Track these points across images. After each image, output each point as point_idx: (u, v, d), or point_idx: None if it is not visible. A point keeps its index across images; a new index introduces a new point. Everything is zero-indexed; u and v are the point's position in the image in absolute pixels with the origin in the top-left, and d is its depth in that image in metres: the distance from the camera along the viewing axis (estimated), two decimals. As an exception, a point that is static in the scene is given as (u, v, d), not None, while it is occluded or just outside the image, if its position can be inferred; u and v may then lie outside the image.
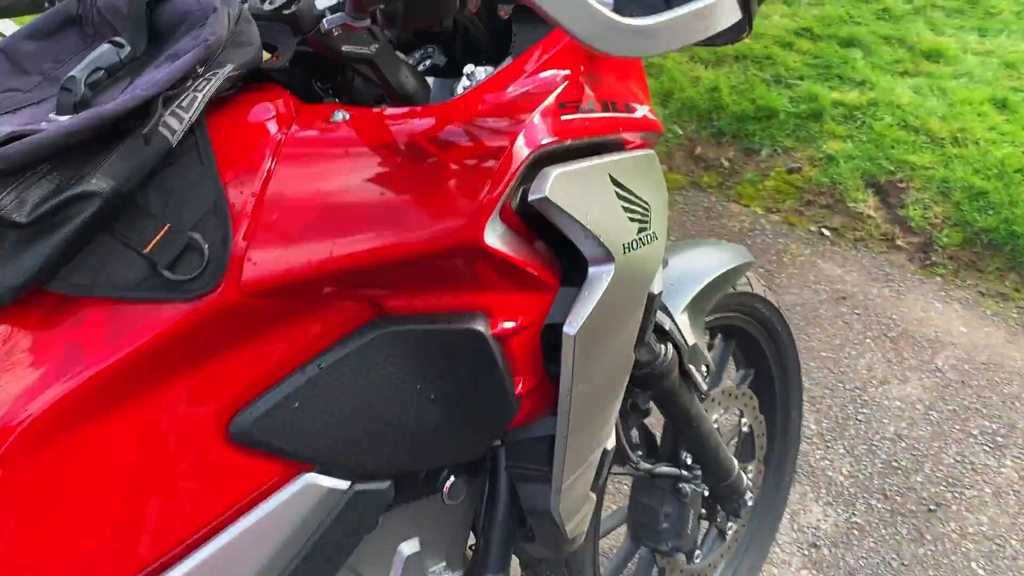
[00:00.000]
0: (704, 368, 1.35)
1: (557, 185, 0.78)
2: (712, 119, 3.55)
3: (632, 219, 0.90)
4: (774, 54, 3.88)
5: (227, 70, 0.72)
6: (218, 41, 0.71)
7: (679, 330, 1.30)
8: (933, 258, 2.95)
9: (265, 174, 0.70)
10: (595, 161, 0.85)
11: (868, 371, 2.48)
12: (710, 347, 1.66)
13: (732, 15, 0.67)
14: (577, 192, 0.81)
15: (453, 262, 0.77)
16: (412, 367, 0.78)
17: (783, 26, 4.14)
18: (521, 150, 0.77)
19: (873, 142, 3.37)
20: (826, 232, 3.10)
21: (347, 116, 0.76)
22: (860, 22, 4.25)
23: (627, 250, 0.88)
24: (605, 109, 0.90)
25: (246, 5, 0.88)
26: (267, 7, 0.85)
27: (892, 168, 3.25)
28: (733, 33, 0.69)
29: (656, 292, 0.98)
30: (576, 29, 0.59)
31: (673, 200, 3.24)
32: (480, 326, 0.80)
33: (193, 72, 0.70)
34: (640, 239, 0.91)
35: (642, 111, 0.97)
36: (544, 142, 0.79)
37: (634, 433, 1.37)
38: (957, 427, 2.30)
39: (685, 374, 1.30)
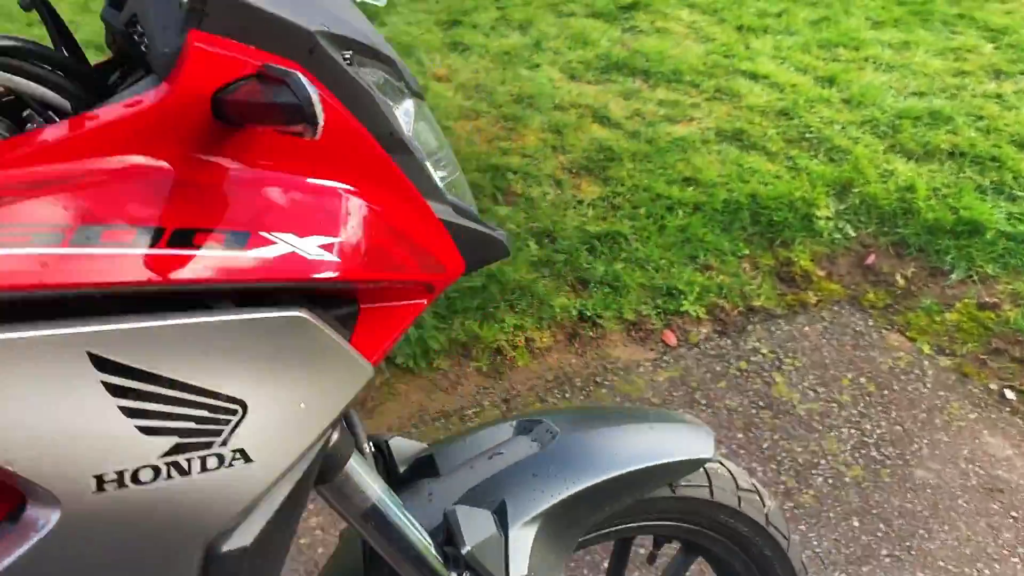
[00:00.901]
0: (545, 615, 0.90)
1: None
2: (897, 224, 2.89)
3: (159, 429, 0.53)
4: (1004, 155, 3.12)
5: None
6: None
7: (504, 552, 0.87)
8: None
9: None
10: (49, 331, 0.49)
11: (999, 606, 1.79)
12: (651, 557, 1.19)
13: None
14: None
15: None
16: None
17: (1030, 122, 3.34)
18: None
19: (1109, 287, 2.56)
20: (1009, 395, 2.36)
21: None
22: None
23: (115, 485, 0.51)
24: (168, 241, 0.53)
25: None
26: None
27: None
28: None
29: (233, 549, 0.59)
30: None
31: (818, 317, 2.65)
32: None
33: None
34: (179, 464, 0.53)
35: (294, 245, 0.58)
36: None
37: None
38: None
39: (496, 623, 0.87)
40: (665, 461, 1.00)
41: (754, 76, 3.58)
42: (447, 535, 0.87)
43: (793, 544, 1.18)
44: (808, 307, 2.70)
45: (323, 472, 0.74)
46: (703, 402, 2.31)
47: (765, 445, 2.19)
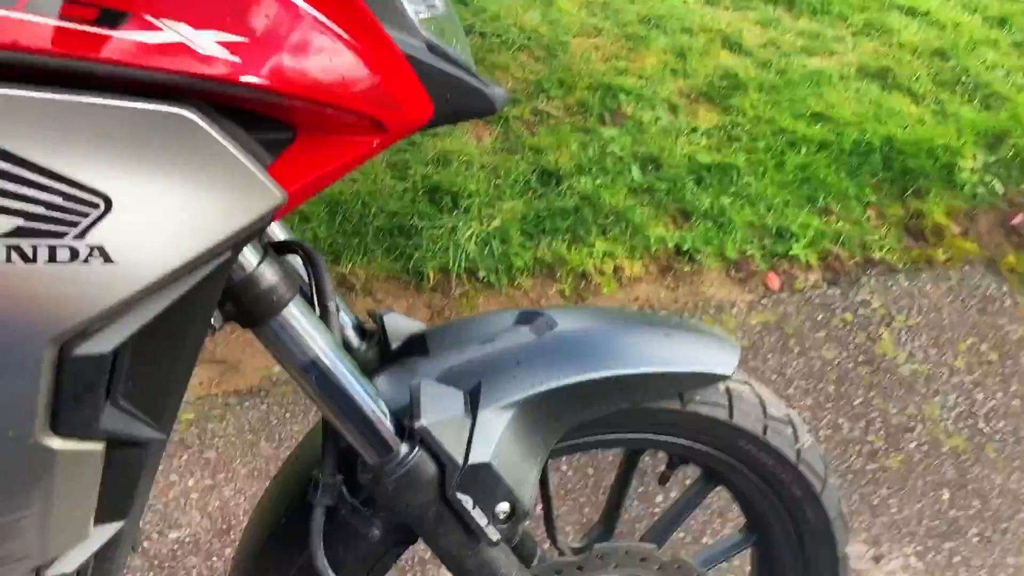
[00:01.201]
0: (506, 507, 0.84)
1: None
2: (1055, 183, 2.57)
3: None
4: None
5: None
6: None
7: (467, 434, 0.81)
8: None
9: None
10: None
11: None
12: (663, 477, 1.10)
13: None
14: None
15: None
16: None
17: None
18: None
19: None
20: None
21: None
22: None
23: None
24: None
25: None
26: None
27: None
28: None
29: (90, 353, 0.55)
30: None
31: (944, 276, 2.41)
32: None
33: None
34: (21, 248, 0.50)
35: (184, 35, 0.53)
36: None
37: None
38: None
39: (449, 503, 0.81)
40: (671, 370, 0.90)
41: (912, 12, 3.24)
42: (411, 410, 0.82)
43: (830, 488, 1.06)
44: (935, 264, 2.45)
45: (253, 313, 0.70)
46: (796, 349, 2.15)
47: (857, 401, 2.01)
